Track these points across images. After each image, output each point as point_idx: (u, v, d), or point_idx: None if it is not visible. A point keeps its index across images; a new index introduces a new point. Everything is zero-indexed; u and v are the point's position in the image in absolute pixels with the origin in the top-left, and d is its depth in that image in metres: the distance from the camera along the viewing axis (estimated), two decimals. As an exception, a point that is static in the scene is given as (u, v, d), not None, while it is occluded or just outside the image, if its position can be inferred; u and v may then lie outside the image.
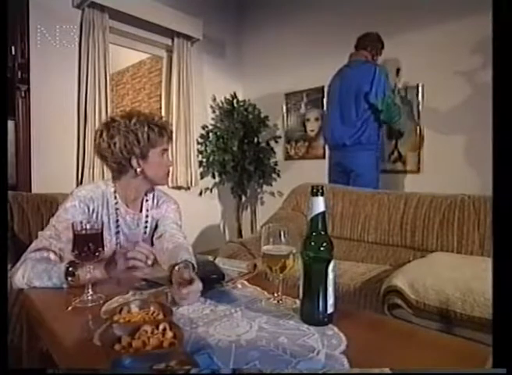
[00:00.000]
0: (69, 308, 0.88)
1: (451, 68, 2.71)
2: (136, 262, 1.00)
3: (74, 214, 1.15)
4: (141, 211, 1.31)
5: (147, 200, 1.33)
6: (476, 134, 2.57)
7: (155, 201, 1.35)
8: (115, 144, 1.17)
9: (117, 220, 1.25)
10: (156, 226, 1.32)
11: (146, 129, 1.18)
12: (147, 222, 1.31)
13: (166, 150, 1.27)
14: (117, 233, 1.26)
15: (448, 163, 2.80)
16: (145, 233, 1.31)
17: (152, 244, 1.30)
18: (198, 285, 0.90)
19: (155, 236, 1.30)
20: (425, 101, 2.87)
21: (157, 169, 1.25)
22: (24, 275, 1.01)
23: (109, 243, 1.21)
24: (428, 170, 2.90)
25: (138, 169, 1.21)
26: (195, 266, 1.03)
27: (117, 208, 1.25)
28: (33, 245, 1.10)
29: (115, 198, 1.25)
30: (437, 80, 2.79)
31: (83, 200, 1.19)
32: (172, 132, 1.28)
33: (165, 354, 0.58)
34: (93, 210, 1.21)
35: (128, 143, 1.17)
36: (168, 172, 1.30)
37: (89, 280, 0.94)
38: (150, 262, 1.03)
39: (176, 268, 0.98)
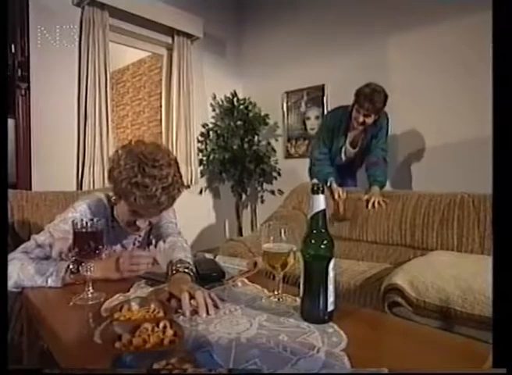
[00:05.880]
0: (71, 305, 0.88)
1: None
2: (140, 267, 1.06)
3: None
4: None
5: None
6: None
7: None
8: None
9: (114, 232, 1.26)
10: (151, 228, 1.33)
11: (138, 194, 1.02)
12: None
13: (135, 213, 1.11)
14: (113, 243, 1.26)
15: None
16: (140, 236, 1.32)
17: (148, 244, 1.32)
18: (203, 293, 0.83)
19: (151, 236, 1.33)
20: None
21: (122, 217, 1.18)
22: (12, 275, 0.97)
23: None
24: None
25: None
26: (191, 263, 1.04)
27: (114, 227, 1.25)
28: (23, 246, 1.09)
29: (113, 216, 1.24)
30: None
31: (84, 214, 1.18)
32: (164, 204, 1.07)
33: (166, 351, 0.58)
34: None
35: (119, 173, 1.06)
36: (138, 229, 1.18)
37: (91, 278, 0.94)
38: (150, 266, 1.08)
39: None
